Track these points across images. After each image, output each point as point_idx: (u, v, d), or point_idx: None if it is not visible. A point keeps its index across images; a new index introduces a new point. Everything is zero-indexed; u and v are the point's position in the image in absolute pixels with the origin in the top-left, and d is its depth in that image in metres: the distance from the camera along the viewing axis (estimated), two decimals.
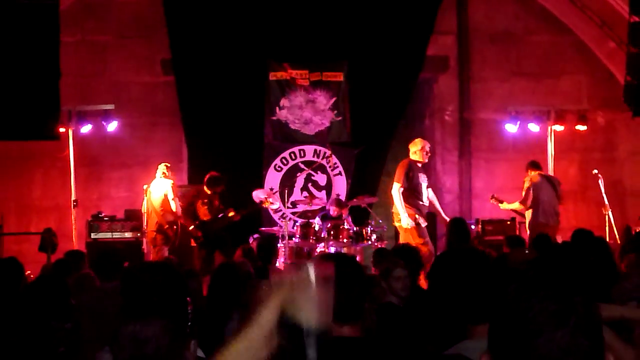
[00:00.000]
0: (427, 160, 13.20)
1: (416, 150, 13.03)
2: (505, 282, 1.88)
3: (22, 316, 4.95)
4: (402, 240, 12.56)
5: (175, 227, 13.37)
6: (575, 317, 1.79)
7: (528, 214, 13.53)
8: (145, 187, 13.71)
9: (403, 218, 12.66)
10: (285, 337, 2.33)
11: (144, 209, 13.55)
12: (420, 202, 12.88)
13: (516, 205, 13.67)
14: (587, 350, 1.79)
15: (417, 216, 12.68)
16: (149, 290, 2.75)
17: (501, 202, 13.79)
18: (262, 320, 2.35)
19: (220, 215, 13.17)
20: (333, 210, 13.47)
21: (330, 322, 3.66)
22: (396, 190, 12.77)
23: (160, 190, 13.39)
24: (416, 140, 13.26)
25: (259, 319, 2.35)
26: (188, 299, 2.79)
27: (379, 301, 6.64)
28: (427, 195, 13.07)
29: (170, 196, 13.33)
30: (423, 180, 12.97)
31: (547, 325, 1.77)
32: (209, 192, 13.22)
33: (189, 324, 2.72)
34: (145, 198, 13.46)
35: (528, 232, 13.37)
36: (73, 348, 5.67)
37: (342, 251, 12.39)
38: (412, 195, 12.78)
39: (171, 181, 13.49)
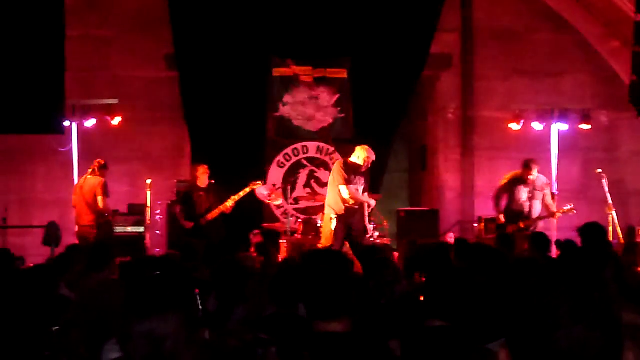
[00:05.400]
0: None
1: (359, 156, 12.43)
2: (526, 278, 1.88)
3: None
4: None
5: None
6: (594, 312, 1.79)
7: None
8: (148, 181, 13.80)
9: None
10: None
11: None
12: None
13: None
14: (605, 345, 1.80)
15: None
16: (157, 286, 2.68)
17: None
18: None
19: (214, 207, 13.14)
20: None
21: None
22: None
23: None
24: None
25: None
26: (196, 289, 2.75)
27: None
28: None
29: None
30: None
31: (567, 319, 1.77)
32: (201, 185, 13.22)
33: (200, 313, 2.67)
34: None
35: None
36: (61, 350, 5.58)
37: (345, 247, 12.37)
38: None
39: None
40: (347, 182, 12.14)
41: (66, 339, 5.72)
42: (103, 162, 13.32)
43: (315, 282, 3.65)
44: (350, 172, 12.21)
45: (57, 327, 5.80)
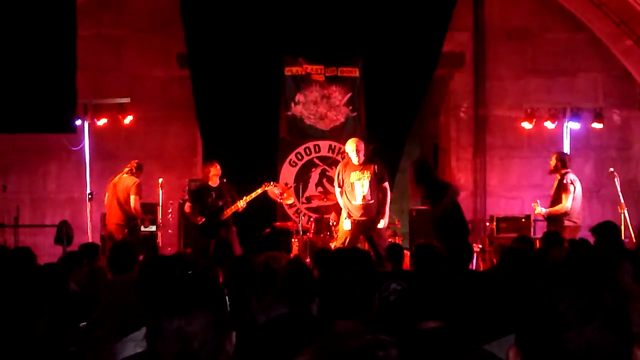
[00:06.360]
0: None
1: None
2: (536, 277, 1.87)
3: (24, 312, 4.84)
4: None
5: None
6: (605, 312, 1.78)
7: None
8: (160, 180, 13.83)
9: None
10: None
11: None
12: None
13: (561, 207, 12.74)
14: (616, 346, 1.79)
15: None
16: (187, 284, 2.70)
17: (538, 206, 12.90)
18: None
19: (224, 207, 13.06)
20: None
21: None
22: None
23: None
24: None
25: None
26: (225, 290, 2.76)
27: None
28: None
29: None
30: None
31: (576, 319, 1.76)
32: (212, 185, 13.17)
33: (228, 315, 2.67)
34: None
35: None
36: (87, 347, 5.59)
37: (357, 246, 12.35)
38: None
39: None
40: (341, 183, 12.38)
41: (92, 336, 5.75)
42: (140, 163, 13.38)
43: (345, 282, 3.66)
44: (350, 169, 12.28)
45: (84, 324, 5.82)
